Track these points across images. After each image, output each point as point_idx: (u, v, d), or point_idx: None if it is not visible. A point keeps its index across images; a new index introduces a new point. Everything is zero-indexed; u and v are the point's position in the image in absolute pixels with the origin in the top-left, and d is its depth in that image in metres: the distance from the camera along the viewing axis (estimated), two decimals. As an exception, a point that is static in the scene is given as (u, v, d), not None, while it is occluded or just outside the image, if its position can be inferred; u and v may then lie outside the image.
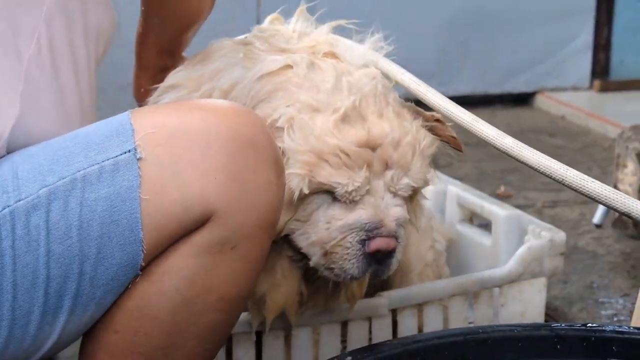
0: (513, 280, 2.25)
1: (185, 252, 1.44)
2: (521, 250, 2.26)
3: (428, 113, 1.88)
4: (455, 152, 1.94)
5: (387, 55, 1.94)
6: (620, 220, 3.10)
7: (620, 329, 1.71)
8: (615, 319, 2.56)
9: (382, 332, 2.10)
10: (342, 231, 1.74)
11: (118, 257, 1.40)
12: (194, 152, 1.42)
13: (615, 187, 3.10)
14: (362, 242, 1.74)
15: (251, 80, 1.80)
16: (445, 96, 1.88)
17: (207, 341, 1.50)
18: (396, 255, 1.77)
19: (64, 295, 1.39)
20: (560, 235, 2.30)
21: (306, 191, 1.72)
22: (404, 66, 1.93)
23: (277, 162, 1.48)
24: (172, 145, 1.42)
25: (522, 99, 5.05)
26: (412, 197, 1.85)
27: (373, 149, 1.75)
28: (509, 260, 2.26)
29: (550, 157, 1.73)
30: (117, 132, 1.43)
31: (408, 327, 2.13)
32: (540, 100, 5.01)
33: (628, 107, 4.76)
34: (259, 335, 2.01)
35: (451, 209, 2.61)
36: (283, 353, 2.03)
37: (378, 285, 2.31)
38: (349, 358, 1.59)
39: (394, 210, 1.77)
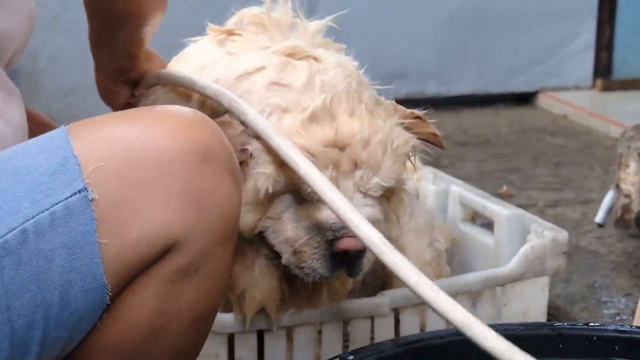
0: (515, 279, 2.25)
1: (150, 283, 1.38)
2: (523, 249, 2.26)
3: (408, 110, 1.88)
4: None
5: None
6: (623, 219, 3.10)
7: (622, 329, 1.71)
8: (617, 318, 2.56)
9: (384, 331, 2.10)
10: (309, 231, 1.75)
11: (82, 302, 1.33)
12: (150, 184, 1.34)
13: (618, 186, 3.10)
14: (330, 242, 1.74)
15: (230, 78, 1.82)
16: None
17: (182, 358, 1.47)
18: (367, 255, 1.76)
19: (31, 342, 1.32)
20: (563, 235, 2.30)
21: (271, 190, 1.73)
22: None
23: (234, 169, 1.43)
24: (125, 178, 1.33)
25: (524, 99, 5.05)
26: (389, 197, 1.85)
27: (341, 148, 1.75)
28: (512, 260, 2.26)
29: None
30: (61, 167, 1.32)
31: (410, 326, 2.13)
32: (543, 100, 5.01)
33: (630, 106, 4.76)
34: (261, 334, 2.01)
35: (453, 209, 2.61)
36: (285, 352, 2.03)
37: (379, 284, 2.31)
38: (351, 357, 1.59)
39: (363, 210, 1.75)
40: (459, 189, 2.60)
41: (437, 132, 1.90)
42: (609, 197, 3.18)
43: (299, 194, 1.76)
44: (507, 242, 2.40)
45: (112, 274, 1.33)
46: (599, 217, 3.20)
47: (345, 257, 1.75)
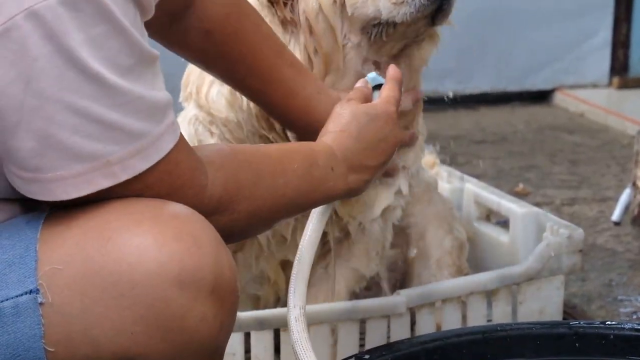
0: (531, 277, 2.25)
1: None
2: (539, 247, 2.26)
3: None
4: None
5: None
6: (640, 217, 3.09)
7: (639, 327, 1.71)
8: (634, 316, 2.55)
9: (400, 331, 2.10)
10: None
11: None
12: (106, 304, 1.22)
13: (634, 184, 3.09)
14: None
15: None
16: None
17: None
18: None
19: None
20: (578, 232, 2.29)
21: None
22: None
23: (219, 285, 1.27)
24: (79, 292, 1.22)
25: (541, 96, 5.04)
26: None
27: None
28: (527, 258, 2.26)
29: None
30: (20, 259, 1.24)
31: (426, 325, 2.13)
32: (559, 98, 4.99)
33: (647, 104, 4.75)
34: (277, 332, 2.02)
35: (468, 207, 2.61)
36: (301, 351, 2.04)
37: (399, 279, 2.32)
38: (367, 356, 1.60)
39: None
40: (473, 187, 2.60)
41: None
42: (625, 195, 3.17)
43: None
44: (523, 240, 2.40)
45: None
46: (615, 215, 3.19)
47: None
